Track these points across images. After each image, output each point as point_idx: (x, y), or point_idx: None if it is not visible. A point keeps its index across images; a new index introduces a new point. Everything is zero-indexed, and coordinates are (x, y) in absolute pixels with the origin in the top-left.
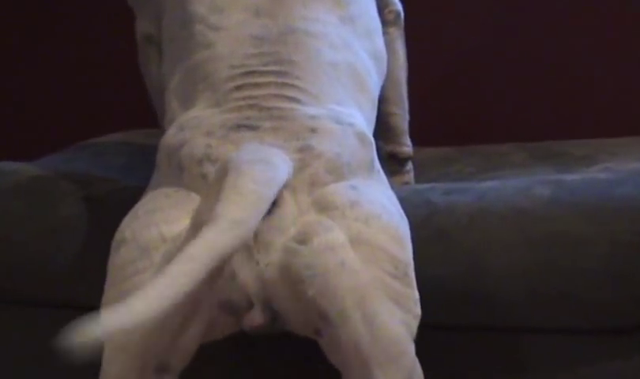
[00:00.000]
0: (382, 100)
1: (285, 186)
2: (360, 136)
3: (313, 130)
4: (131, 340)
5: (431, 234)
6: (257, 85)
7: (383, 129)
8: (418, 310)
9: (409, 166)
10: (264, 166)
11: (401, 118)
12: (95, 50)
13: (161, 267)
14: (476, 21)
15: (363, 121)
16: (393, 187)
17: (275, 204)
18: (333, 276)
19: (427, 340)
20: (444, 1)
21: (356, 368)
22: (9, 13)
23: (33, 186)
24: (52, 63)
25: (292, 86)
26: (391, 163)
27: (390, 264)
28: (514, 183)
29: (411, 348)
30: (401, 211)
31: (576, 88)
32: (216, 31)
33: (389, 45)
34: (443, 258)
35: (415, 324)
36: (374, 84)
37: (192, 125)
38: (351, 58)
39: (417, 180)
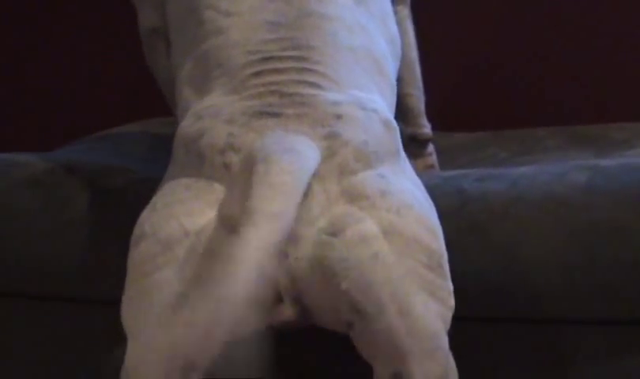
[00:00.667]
0: (397, 82)
1: (313, 175)
2: (386, 123)
3: (338, 117)
4: (159, 338)
5: (463, 225)
6: (276, 71)
7: (400, 112)
8: (452, 302)
9: (431, 148)
10: (293, 156)
11: (417, 98)
12: (108, 40)
13: (185, 262)
14: (513, 4)
15: (385, 106)
16: (421, 174)
17: (305, 194)
18: (366, 269)
19: (462, 333)
20: None
21: (391, 362)
22: (25, 3)
23: (49, 179)
24: (68, 52)
25: (312, 71)
26: (412, 146)
27: (424, 255)
28: (549, 169)
29: (445, 341)
30: (430, 199)
31: (616, 71)
32: (228, 16)
33: (399, 24)
34: (477, 249)
35: (449, 316)
36: (391, 68)
37: (210, 114)
38: (368, 41)
39: (449, 165)
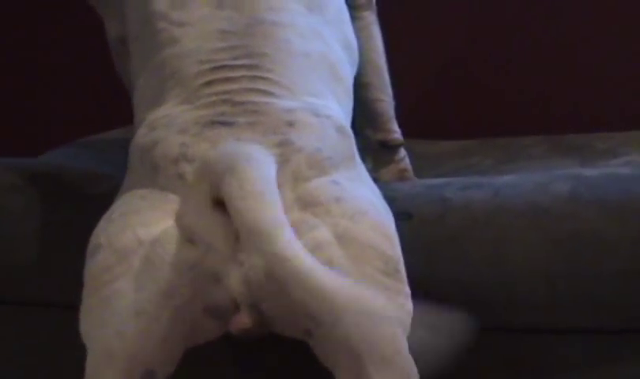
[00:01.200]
0: (366, 87)
1: None
2: (340, 129)
3: (290, 124)
4: (116, 347)
5: (446, 233)
6: (228, 80)
7: (370, 118)
8: (410, 306)
9: (402, 153)
10: (256, 164)
11: (387, 103)
12: (94, 47)
13: (140, 272)
14: (496, 13)
15: (341, 112)
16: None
17: None
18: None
19: None
20: None
21: (350, 368)
22: (11, 11)
23: (33, 184)
24: (52, 60)
25: (265, 79)
26: (383, 152)
27: (380, 261)
28: (532, 178)
29: (405, 345)
30: (386, 205)
31: (600, 80)
32: (181, 26)
33: (364, 29)
34: (460, 258)
35: (408, 320)
36: (347, 73)
37: (163, 124)
38: (323, 47)
39: (435, 173)
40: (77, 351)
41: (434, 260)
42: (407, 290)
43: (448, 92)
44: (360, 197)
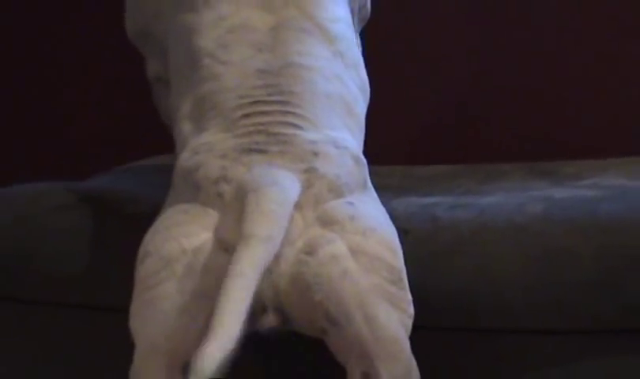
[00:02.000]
0: None
1: (294, 204)
2: (355, 158)
3: (315, 154)
4: (160, 342)
5: (437, 248)
6: (263, 113)
7: None
8: (411, 310)
9: None
10: (279, 188)
11: None
12: (135, 83)
13: (183, 277)
14: (481, 54)
15: (355, 143)
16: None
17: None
18: (337, 283)
19: (437, 341)
20: (449, 37)
21: (360, 363)
22: (60, 41)
23: (81, 204)
24: (95, 99)
25: (294, 114)
26: None
27: (387, 271)
28: (510, 200)
29: (407, 345)
30: (391, 222)
31: (571, 116)
32: (224, 64)
33: None
34: (448, 271)
35: (410, 322)
36: (361, 110)
37: (206, 149)
38: (342, 88)
39: (426, 192)
40: (118, 349)
41: (427, 271)
42: (409, 297)
43: (440, 126)
44: (370, 216)
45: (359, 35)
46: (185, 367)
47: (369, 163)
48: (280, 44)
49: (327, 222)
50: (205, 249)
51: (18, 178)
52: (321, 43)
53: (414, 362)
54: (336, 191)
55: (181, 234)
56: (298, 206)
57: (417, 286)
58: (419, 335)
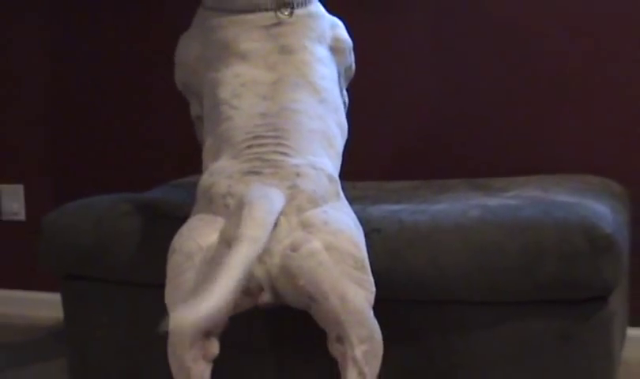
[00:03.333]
0: None
1: (281, 212)
2: (329, 177)
3: (298, 174)
4: (186, 316)
5: (403, 242)
6: (261, 145)
7: None
8: (373, 289)
9: None
10: (267, 200)
11: None
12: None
13: (199, 266)
14: (434, 100)
15: (331, 166)
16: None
17: (275, 224)
18: (314, 272)
19: (397, 311)
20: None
21: (336, 328)
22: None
23: (141, 210)
24: (155, 124)
25: (283, 145)
26: None
27: (353, 261)
28: (456, 207)
29: (371, 314)
30: (358, 223)
31: (500, 144)
32: (236, 109)
33: None
34: (412, 259)
35: (372, 297)
36: (339, 143)
37: (218, 172)
38: (323, 126)
39: (394, 201)
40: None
41: (393, 260)
42: (371, 279)
43: (405, 152)
44: (340, 220)
45: (347, 90)
46: (206, 334)
47: (352, 179)
48: (278, 94)
49: (307, 226)
50: (214, 246)
51: (99, 189)
52: (309, 93)
53: (377, 326)
54: (314, 202)
55: (198, 236)
56: (284, 213)
57: (386, 270)
58: (385, 306)
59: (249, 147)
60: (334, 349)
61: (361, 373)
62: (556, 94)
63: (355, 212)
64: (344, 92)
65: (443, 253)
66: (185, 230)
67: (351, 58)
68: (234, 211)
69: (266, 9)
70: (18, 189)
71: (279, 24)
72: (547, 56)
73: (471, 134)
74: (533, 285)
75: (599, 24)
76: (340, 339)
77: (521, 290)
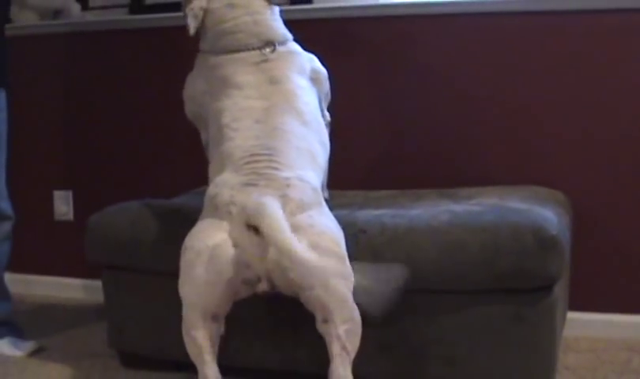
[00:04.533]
0: None
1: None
2: (313, 189)
3: (287, 185)
4: (196, 301)
5: (384, 241)
6: (256, 161)
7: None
8: (352, 278)
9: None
10: (276, 207)
11: (325, 179)
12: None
13: (207, 262)
14: (408, 120)
15: (316, 179)
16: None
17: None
18: (303, 266)
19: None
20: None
21: (322, 312)
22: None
23: (167, 214)
24: (173, 136)
25: (275, 161)
26: None
27: (335, 256)
28: (429, 212)
29: (351, 300)
30: (338, 225)
31: (464, 158)
32: (235, 131)
33: None
34: (393, 254)
35: (351, 285)
36: (322, 159)
37: (221, 184)
38: (308, 145)
39: (375, 208)
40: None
41: (376, 256)
42: (350, 271)
43: (384, 166)
44: (323, 223)
45: (328, 109)
46: (213, 316)
47: (342, 188)
48: (270, 118)
49: (296, 228)
50: (219, 245)
51: (134, 195)
52: (294, 116)
53: (357, 309)
54: (302, 208)
55: (206, 237)
56: None
57: (371, 266)
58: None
59: (247, 163)
60: (321, 329)
61: (344, 348)
62: (510, 119)
63: (345, 216)
64: (326, 113)
65: (417, 249)
66: (195, 231)
67: (327, 85)
68: (236, 217)
69: (254, 49)
70: (68, 195)
71: (266, 60)
72: (500, 87)
73: (441, 152)
74: (491, 276)
75: (546, 55)
76: (326, 321)
77: (482, 280)
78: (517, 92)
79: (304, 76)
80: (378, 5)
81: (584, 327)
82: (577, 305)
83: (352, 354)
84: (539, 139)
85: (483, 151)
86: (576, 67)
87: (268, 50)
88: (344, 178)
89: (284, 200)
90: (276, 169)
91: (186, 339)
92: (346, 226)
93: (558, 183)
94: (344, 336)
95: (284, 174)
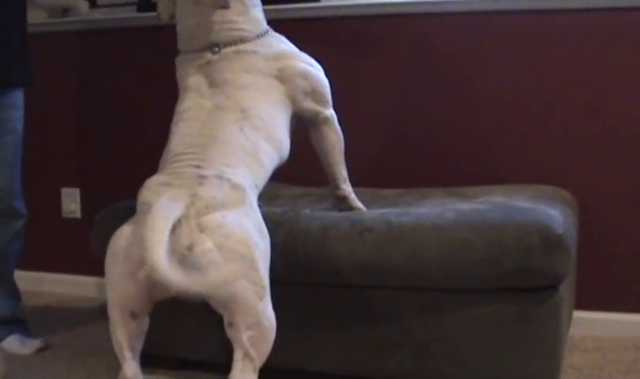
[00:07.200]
0: (329, 165)
1: (182, 216)
2: (233, 186)
3: (201, 183)
4: (115, 300)
5: (390, 239)
6: (179, 160)
7: (330, 181)
8: (263, 283)
9: (350, 199)
10: (162, 209)
11: (338, 173)
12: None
13: (122, 263)
14: (413, 120)
15: (249, 177)
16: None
17: (176, 225)
18: (206, 268)
19: (386, 298)
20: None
21: (227, 315)
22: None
23: None
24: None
25: (198, 159)
26: (339, 200)
27: (242, 259)
28: (434, 210)
29: (259, 304)
30: (262, 228)
31: (471, 157)
32: (173, 134)
33: (323, 136)
34: (398, 252)
35: (261, 291)
36: (269, 159)
37: (145, 185)
38: (246, 142)
39: (382, 206)
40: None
41: (383, 253)
42: (260, 274)
43: (392, 166)
44: (236, 224)
45: (333, 106)
46: (132, 314)
47: (352, 186)
48: (207, 119)
49: (203, 228)
50: (132, 245)
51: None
52: (233, 115)
53: (267, 315)
54: (213, 207)
55: (122, 237)
56: (185, 217)
57: (376, 262)
58: (375, 292)
59: (171, 163)
60: (227, 332)
61: (247, 355)
62: (518, 118)
63: (351, 214)
64: (319, 108)
65: (423, 248)
66: (116, 232)
67: (307, 82)
68: (140, 218)
69: (199, 50)
70: (75, 193)
71: (208, 62)
72: (507, 86)
73: (447, 151)
74: (497, 275)
75: (556, 53)
76: (231, 324)
77: (487, 278)
78: (525, 91)
79: (256, 76)
80: (386, 4)
81: (590, 326)
82: (584, 304)
83: (258, 361)
84: (545, 138)
85: (490, 150)
86: (585, 65)
87: (211, 52)
88: (350, 176)
89: (193, 199)
90: (197, 167)
91: (112, 338)
92: (352, 224)
93: (564, 182)
94: (247, 343)
95: (204, 171)
